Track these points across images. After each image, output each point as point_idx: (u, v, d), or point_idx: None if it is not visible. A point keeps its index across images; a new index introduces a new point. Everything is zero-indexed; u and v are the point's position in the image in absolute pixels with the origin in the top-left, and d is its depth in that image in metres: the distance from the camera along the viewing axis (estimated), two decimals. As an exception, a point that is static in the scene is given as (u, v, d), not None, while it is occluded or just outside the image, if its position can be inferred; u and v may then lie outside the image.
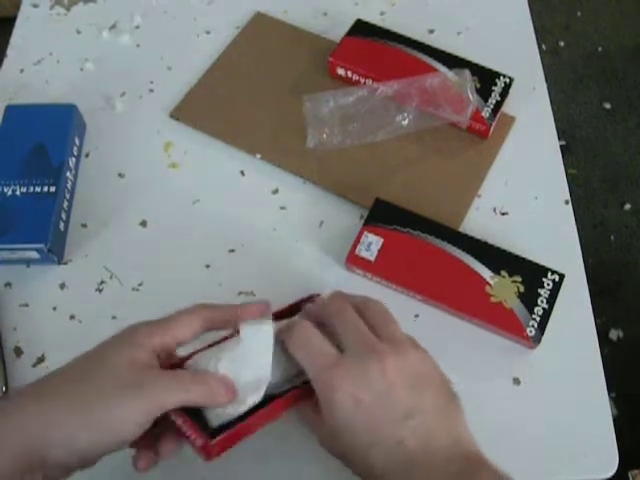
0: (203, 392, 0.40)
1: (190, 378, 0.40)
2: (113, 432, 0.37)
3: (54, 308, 0.56)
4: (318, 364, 0.41)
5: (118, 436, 0.37)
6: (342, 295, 0.46)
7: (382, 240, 0.56)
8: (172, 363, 0.43)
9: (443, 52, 0.67)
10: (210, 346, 0.44)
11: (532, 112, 0.67)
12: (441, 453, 0.39)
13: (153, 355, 0.40)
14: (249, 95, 0.68)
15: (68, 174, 0.61)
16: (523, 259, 0.55)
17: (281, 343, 0.43)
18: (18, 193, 0.58)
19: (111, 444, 0.37)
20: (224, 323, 0.44)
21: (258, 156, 0.64)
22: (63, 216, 0.59)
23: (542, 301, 0.53)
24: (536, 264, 0.55)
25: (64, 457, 0.37)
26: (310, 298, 0.50)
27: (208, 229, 0.60)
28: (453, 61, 0.66)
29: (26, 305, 0.57)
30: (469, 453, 0.40)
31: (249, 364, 0.42)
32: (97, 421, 0.37)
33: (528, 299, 0.53)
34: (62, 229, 0.59)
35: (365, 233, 0.57)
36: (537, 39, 0.73)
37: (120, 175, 0.64)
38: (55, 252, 0.57)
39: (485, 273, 0.54)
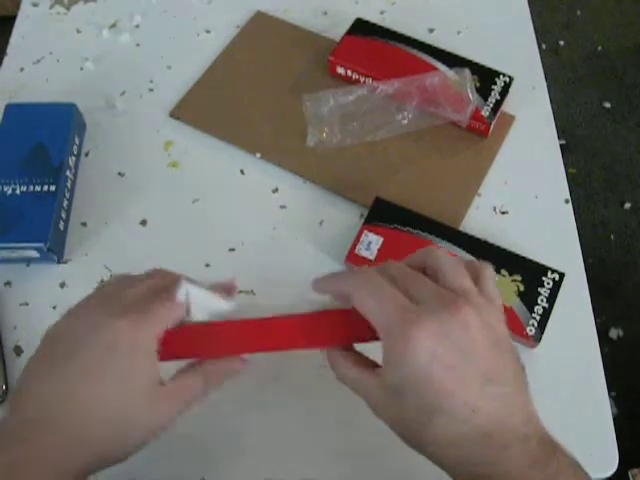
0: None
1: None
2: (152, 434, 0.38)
3: (54, 307, 0.56)
4: (391, 312, 0.36)
5: (158, 430, 0.39)
6: (396, 262, 0.40)
7: (382, 239, 0.56)
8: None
9: (443, 51, 0.67)
10: None
11: (532, 111, 0.67)
12: (516, 430, 0.35)
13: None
14: (249, 94, 0.68)
15: (68, 173, 0.61)
16: (523, 258, 0.55)
17: None
18: (18, 192, 0.58)
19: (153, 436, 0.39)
20: None
21: (258, 155, 0.64)
22: (63, 215, 0.59)
23: (542, 300, 0.53)
24: (536, 263, 0.55)
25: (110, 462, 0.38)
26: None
27: (208, 228, 0.60)
28: (453, 60, 0.66)
29: (26, 304, 0.57)
30: (543, 433, 0.37)
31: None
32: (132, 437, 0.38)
33: (528, 298, 0.53)
34: (62, 228, 0.59)
35: (365, 232, 0.57)
36: (537, 38, 0.73)
37: (120, 174, 0.64)
38: (55, 251, 0.57)
39: (485, 272, 0.54)
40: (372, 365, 0.39)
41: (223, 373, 0.41)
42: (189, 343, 0.40)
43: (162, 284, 0.41)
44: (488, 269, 0.39)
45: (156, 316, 0.38)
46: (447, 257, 0.39)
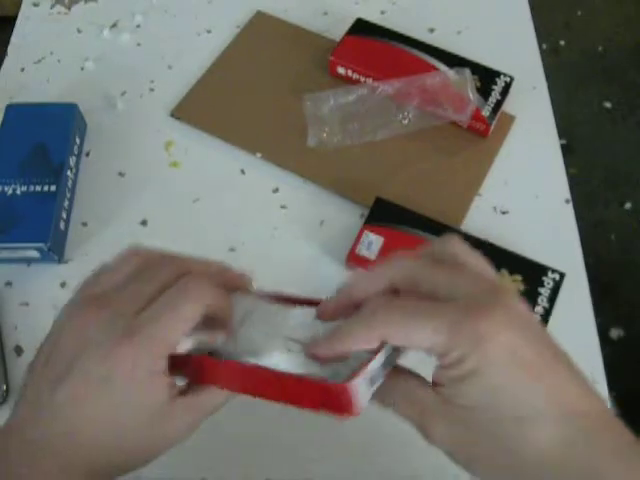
0: None
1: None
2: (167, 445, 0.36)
3: (55, 307, 0.56)
4: (443, 318, 0.29)
5: (169, 446, 0.36)
6: (404, 257, 0.34)
7: (382, 239, 0.56)
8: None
9: (443, 51, 0.67)
10: None
11: (532, 111, 0.67)
12: (602, 419, 0.30)
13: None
14: (249, 94, 0.68)
15: (69, 173, 0.61)
16: (523, 258, 0.55)
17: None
18: (19, 192, 0.58)
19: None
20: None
21: (258, 155, 0.64)
22: (63, 215, 0.59)
23: (542, 300, 0.53)
24: (536, 263, 0.55)
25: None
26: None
27: (208, 228, 0.60)
28: (453, 60, 0.66)
29: (26, 304, 0.57)
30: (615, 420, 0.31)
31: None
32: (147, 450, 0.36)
33: (528, 298, 0.53)
34: (62, 228, 0.59)
35: (365, 232, 0.57)
36: (537, 38, 0.73)
37: (121, 174, 0.64)
38: (55, 251, 0.57)
39: (485, 272, 0.54)
40: (421, 381, 0.33)
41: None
42: (190, 372, 0.37)
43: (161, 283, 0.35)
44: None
45: (158, 339, 0.33)
46: (466, 247, 0.33)
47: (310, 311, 0.37)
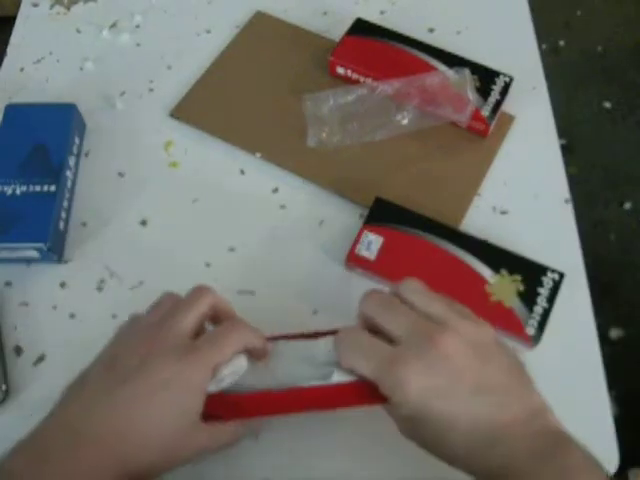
0: None
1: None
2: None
3: (54, 307, 0.56)
4: (376, 363, 0.40)
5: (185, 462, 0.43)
6: (374, 291, 0.44)
7: (382, 239, 0.56)
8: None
9: (443, 51, 0.67)
10: None
11: (532, 111, 0.67)
12: (521, 427, 0.38)
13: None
14: (249, 94, 0.68)
15: (68, 173, 0.61)
16: (523, 258, 0.55)
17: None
18: (18, 192, 0.58)
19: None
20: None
21: (258, 155, 0.64)
22: (63, 215, 0.59)
23: (542, 300, 0.53)
24: (536, 263, 0.55)
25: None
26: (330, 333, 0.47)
27: (208, 228, 0.60)
28: (453, 60, 0.66)
29: (26, 304, 0.57)
30: (551, 427, 0.39)
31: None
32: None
33: (528, 298, 0.53)
34: (62, 228, 0.59)
35: (365, 232, 0.57)
36: (537, 38, 0.73)
37: (120, 174, 0.64)
38: (55, 251, 0.57)
39: (485, 272, 0.54)
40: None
41: (260, 424, 0.49)
42: (227, 410, 0.43)
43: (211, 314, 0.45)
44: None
45: (207, 359, 0.41)
46: (414, 287, 0.43)
47: (330, 339, 0.45)
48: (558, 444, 0.38)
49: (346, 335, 0.43)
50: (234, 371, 0.43)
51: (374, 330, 0.42)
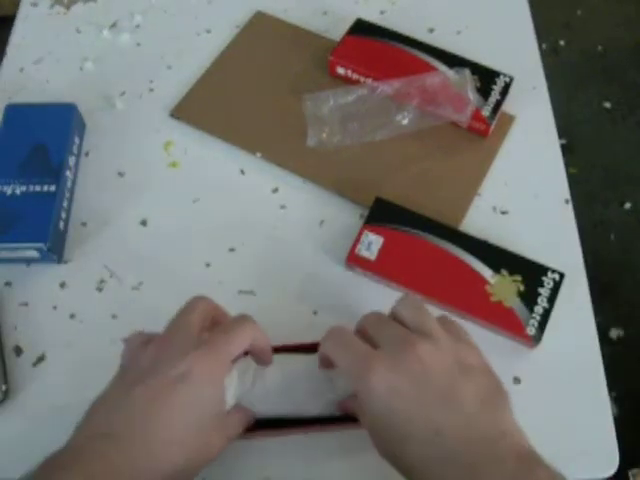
0: None
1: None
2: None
3: (54, 307, 0.56)
4: (352, 357, 0.41)
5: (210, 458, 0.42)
6: (374, 312, 0.46)
7: (382, 239, 0.56)
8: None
9: (443, 51, 0.67)
10: None
11: (532, 111, 0.67)
12: (487, 448, 0.37)
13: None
14: (249, 94, 0.68)
15: (68, 173, 0.61)
16: (523, 258, 0.55)
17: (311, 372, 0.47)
18: (18, 192, 0.58)
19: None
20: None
21: (258, 155, 0.64)
22: (63, 215, 0.59)
23: (542, 300, 0.53)
24: (536, 263, 0.55)
25: None
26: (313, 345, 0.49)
27: (208, 228, 0.60)
28: (453, 60, 0.66)
29: (26, 304, 0.57)
30: (521, 449, 0.38)
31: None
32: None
33: (528, 298, 0.53)
34: (62, 228, 0.59)
35: (365, 232, 0.57)
36: (537, 38, 0.73)
37: (120, 174, 0.64)
38: (55, 251, 0.57)
39: (485, 272, 0.54)
40: None
41: None
42: None
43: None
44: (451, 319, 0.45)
45: (221, 348, 0.42)
46: (409, 303, 0.44)
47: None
48: (533, 465, 0.37)
49: (335, 330, 0.44)
50: (244, 370, 0.45)
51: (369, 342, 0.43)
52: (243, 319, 0.44)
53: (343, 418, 0.46)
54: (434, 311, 0.55)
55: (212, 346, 0.41)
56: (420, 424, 0.38)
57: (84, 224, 0.61)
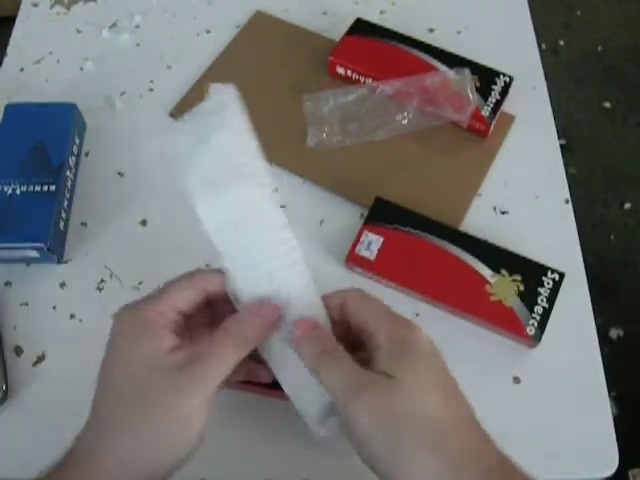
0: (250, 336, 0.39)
1: (226, 340, 0.38)
2: (181, 438, 0.37)
3: (54, 307, 0.56)
4: (342, 386, 0.37)
5: (189, 437, 0.37)
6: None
7: (382, 239, 0.56)
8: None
9: (443, 51, 0.67)
10: None
11: (532, 111, 0.67)
12: (471, 457, 0.35)
13: (171, 333, 0.38)
14: (249, 94, 0.68)
15: (68, 173, 0.61)
16: (523, 258, 0.55)
17: None
18: (18, 192, 0.58)
19: (186, 448, 0.37)
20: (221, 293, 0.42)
21: (258, 155, 0.64)
22: (63, 215, 0.59)
23: (542, 300, 0.53)
24: (536, 263, 0.55)
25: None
26: None
27: (208, 228, 0.60)
28: (453, 60, 0.66)
29: (26, 304, 0.57)
30: (498, 457, 0.36)
31: None
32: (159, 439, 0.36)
33: (528, 298, 0.53)
34: (62, 228, 0.59)
35: (365, 232, 0.57)
36: (537, 38, 0.73)
37: (120, 174, 0.64)
38: (55, 251, 0.57)
39: (485, 272, 0.54)
40: None
41: None
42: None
43: None
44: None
45: (153, 300, 0.40)
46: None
47: None
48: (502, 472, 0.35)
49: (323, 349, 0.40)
50: None
51: None
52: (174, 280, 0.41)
53: None
54: (434, 311, 0.55)
55: (139, 301, 0.39)
56: (419, 439, 0.35)
57: (84, 224, 0.61)
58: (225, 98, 0.41)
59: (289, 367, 0.41)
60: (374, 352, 0.38)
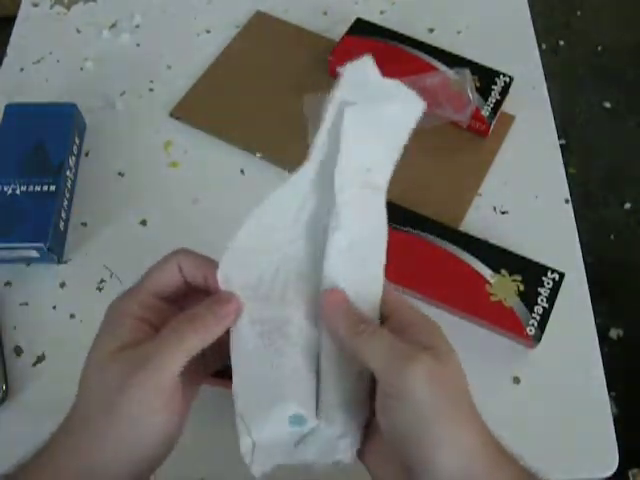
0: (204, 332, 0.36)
1: (182, 325, 0.36)
2: (140, 441, 0.34)
3: (54, 307, 0.56)
4: (385, 356, 0.35)
5: (148, 436, 0.34)
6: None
7: (382, 239, 0.56)
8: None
9: (443, 51, 0.67)
10: None
11: (532, 111, 0.67)
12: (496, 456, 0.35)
13: (138, 324, 0.37)
14: (249, 94, 0.68)
15: (68, 173, 0.61)
16: (523, 258, 0.55)
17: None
18: (18, 192, 0.58)
19: (149, 452, 0.35)
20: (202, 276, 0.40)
21: (258, 155, 0.64)
22: (63, 215, 0.59)
23: (542, 300, 0.53)
24: (536, 263, 0.55)
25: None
26: None
27: (208, 228, 0.60)
28: (453, 60, 0.66)
29: (26, 304, 0.57)
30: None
31: None
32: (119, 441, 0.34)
33: (528, 298, 0.53)
34: (62, 228, 0.59)
35: (365, 232, 0.57)
36: (537, 38, 0.73)
37: (120, 174, 0.64)
38: (55, 251, 0.57)
39: (485, 272, 0.54)
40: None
41: None
42: None
43: None
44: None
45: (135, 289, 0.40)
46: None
47: None
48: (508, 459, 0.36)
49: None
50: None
51: None
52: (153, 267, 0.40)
53: None
54: (434, 311, 0.55)
55: (127, 290, 0.39)
56: (452, 434, 0.35)
57: (84, 224, 0.61)
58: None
59: (252, 364, 0.39)
60: (406, 327, 0.37)
